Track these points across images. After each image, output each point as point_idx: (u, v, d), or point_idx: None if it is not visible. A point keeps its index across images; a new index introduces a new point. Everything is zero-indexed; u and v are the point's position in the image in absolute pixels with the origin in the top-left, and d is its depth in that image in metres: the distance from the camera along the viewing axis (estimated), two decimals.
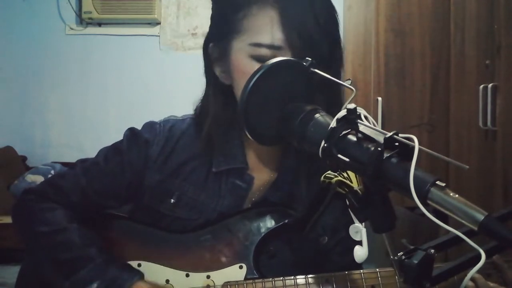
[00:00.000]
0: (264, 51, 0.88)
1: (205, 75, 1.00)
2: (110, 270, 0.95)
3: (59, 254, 0.98)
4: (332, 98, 0.89)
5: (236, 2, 0.92)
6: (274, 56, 0.87)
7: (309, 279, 0.92)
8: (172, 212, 1.01)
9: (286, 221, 0.97)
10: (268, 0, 0.89)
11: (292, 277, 0.92)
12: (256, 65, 0.88)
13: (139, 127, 1.06)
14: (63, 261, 0.97)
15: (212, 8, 0.98)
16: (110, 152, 1.05)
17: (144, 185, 1.02)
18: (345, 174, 0.74)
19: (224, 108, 0.97)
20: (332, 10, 0.93)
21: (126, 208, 1.08)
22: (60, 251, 0.98)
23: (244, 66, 0.90)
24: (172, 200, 1.00)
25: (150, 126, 1.05)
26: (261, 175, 1.02)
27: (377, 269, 0.91)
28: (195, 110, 1.03)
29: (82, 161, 1.07)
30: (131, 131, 1.05)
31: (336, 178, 0.81)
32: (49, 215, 1.01)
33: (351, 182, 0.76)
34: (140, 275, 0.95)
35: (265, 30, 0.88)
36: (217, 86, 0.98)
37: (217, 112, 0.98)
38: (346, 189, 0.79)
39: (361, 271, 0.91)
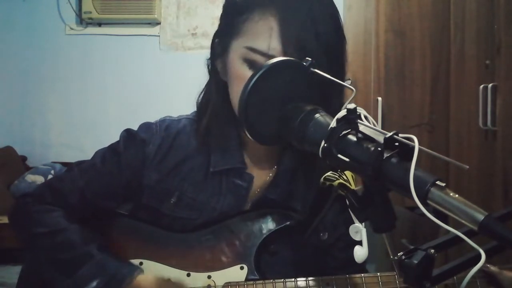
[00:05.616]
0: (258, 57, 0.88)
1: (209, 67, 1.01)
2: (110, 266, 0.95)
3: (59, 254, 0.98)
4: (332, 97, 0.90)
5: (239, 5, 0.93)
6: None
7: (309, 281, 0.92)
8: (172, 212, 1.01)
9: (288, 223, 0.97)
10: (269, 9, 0.89)
11: (293, 279, 0.92)
12: (246, 70, 0.89)
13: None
14: (63, 261, 0.97)
15: (222, 6, 1.00)
16: (107, 153, 1.05)
17: (143, 185, 1.02)
18: (344, 176, 0.75)
19: (223, 102, 0.98)
20: (335, 20, 0.91)
21: (126, 207, 1.08)
22: (60, 251, 0.98)
23: (235, 68, 0.91)
24: (172, 200, 1.01)
25: (146, 126, 1.05)
26: (260, 174, 1.02)
27: (378, 274, 0.91)
28: (197, 103, 1.04)
29: (79, 163, 1.07)
30: (128, 132, 1.06)
31: (337, 181, 0.81)
32: (47, 217, 1.01)
33: (350, 185, 0.77)
34: (140, 270, 0.95)
35: (262, 37, 0.88)
36: (218, 80, 0.99)
37: (217, 104, 0.99)
38: (344, 190, 0.79)
39: (362, 275, 0.91)
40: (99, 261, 0.96)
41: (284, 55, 0.87)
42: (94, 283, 0.93)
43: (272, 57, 0.87)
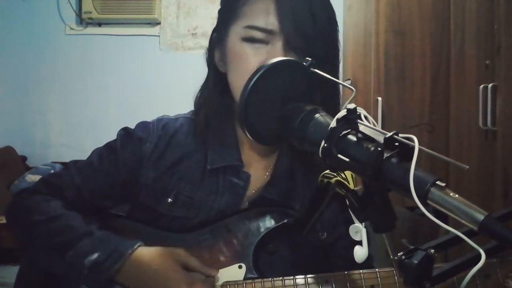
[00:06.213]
0: (257, 33, 0.92)
1: (207, 64, 1.03)
2: (111, 241, 0.95)
3: (57, 239, 0.97)
4: (328, 94, 0.90)
5: None
6: (266, 40, 0.92)
7: (308, 279, 0.92)
8: (169, 211, 1.01)
9: (286, 221, 0.97)
10: None
11: (292, 277, 0.92)
12: (246, 47, 0.93)
13: None
14: (61, 243, 0.97)
15: None
16: (104, 151, 1.05)
17: (139, 183, 1.02)
18: (342, 174, 0.75)
19: (221, 96, 1.00)
20: (330, 10, 0.96)
21: (124, 208, 1.08)
22: (58, 236, 0.97)
23: (235, 48, 0.94)
24: (169, 200, 1.01)
25: (143, 125, 1.06)
26: (257, 173, 1.02)
27: (377, 269, 0.91)
28: (195, 100, 1.04)
29: (75, 162, 1.07)
30: (125, 130, 1.06)
31: (335, 179, 0.81)
32: (44, 205, 1.01)
33: (348, 183, 0.77)
34: (142, 243, 0.95)
35: (261, 16, 0.92)
36: (216, 74, 1.01)
37: (214, 98, 1.00)
38: (343, 190, 0.80)
39: (361, 271, 0.91)
40: (100, 236, 0.96)
41: (282, 30, 0.91)
42: (95, 255, 0.92)
43: (270, 32, 0.92)
